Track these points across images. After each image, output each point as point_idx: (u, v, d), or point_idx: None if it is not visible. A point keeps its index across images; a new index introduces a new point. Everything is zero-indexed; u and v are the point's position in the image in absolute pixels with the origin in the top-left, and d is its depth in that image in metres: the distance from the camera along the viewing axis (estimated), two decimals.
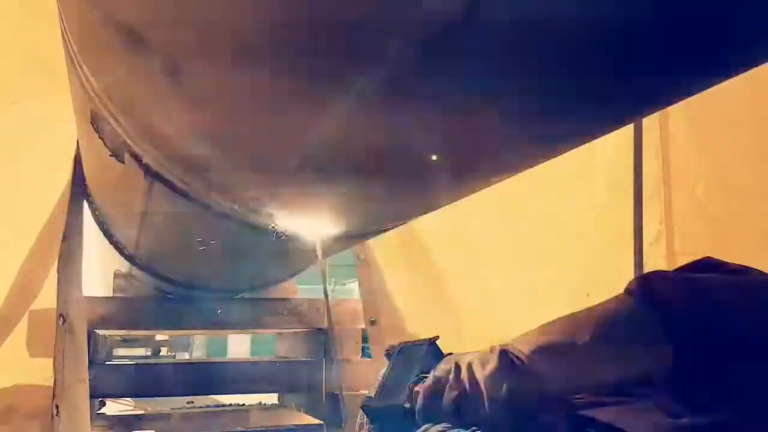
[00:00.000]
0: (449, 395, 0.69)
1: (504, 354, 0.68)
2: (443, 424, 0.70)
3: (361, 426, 0.84)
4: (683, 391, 0.68)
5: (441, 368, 0.73)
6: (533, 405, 0.66)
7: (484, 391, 0.67)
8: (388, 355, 0.86)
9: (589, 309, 0.71)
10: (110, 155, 1.11)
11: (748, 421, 0.66)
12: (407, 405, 0.74)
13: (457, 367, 0.70)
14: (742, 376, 0.67)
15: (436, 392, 0.71)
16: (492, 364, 0.68)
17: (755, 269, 0.74)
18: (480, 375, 0.68)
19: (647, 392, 0.70)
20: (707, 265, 0.76)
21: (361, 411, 0.82)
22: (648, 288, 0.69)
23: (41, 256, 1.83)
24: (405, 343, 0.86)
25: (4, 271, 1.86)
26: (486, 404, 0.66)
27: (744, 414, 0.66)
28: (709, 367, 0.67)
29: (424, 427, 0.72)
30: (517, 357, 0.67)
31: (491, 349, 0.70)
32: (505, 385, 0.66)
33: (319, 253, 1.22)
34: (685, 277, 0.72)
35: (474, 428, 0.68)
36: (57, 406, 1.58)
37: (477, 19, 0.48)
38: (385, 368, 0.85)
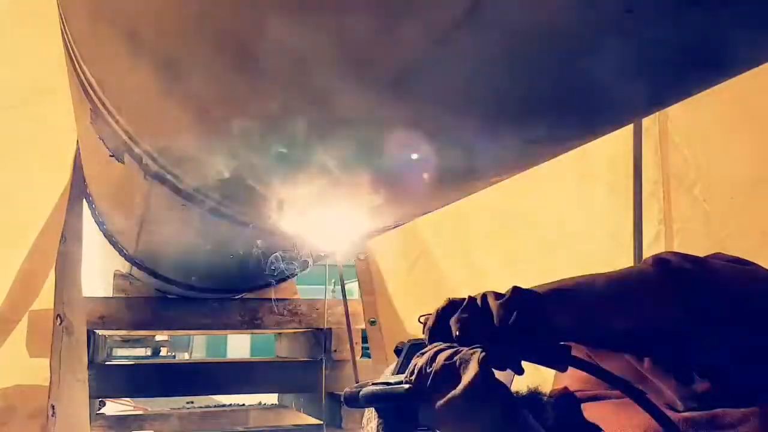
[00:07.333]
0: (460, 315, 0.71)
1: (518, 288, 0.70)
2: (449, 344, 0.71)
3: (368, 420, 0.84)
4: (683, 385, 0.69)
5: (457, 298, 0.75)
6: (541, 338, 0.68)
7: (495, 315, 0.68)
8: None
9: (607, 272, 0.74)
10: (110, 155, 1.11)
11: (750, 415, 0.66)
12: (407, 387, 0.74)
13: (472, 297, 0.72)
14: (748, 370, 0.68)
15: (448, 314, 0.73)
16: (506, 295, 0.70)
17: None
18: (493, 304, 0.69)
19: (646, 387, 0.71)
20: (719, 259, 0.77)
21: (366, 406, 0.81)
22: (667, 260, 0.73)
23: (41, 256, 1.82)
24: (414, 340, 0.86)
25: (4, 271, 1.86)
26: (495, 327, 0.68)
27: (745, 408, 0.66)
28: (714, 352, 0.69)
29: (431, 346, 0.73)
30: (531, 293, 0.69)
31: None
32: (515, 314, 0.67)
33: (338, 256, 1.22)
34: (703, 259, 0.74)
35: (476, 345, 0.69)
36: (53, 407, 1.58)
37: (477, 20, 0.48)
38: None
